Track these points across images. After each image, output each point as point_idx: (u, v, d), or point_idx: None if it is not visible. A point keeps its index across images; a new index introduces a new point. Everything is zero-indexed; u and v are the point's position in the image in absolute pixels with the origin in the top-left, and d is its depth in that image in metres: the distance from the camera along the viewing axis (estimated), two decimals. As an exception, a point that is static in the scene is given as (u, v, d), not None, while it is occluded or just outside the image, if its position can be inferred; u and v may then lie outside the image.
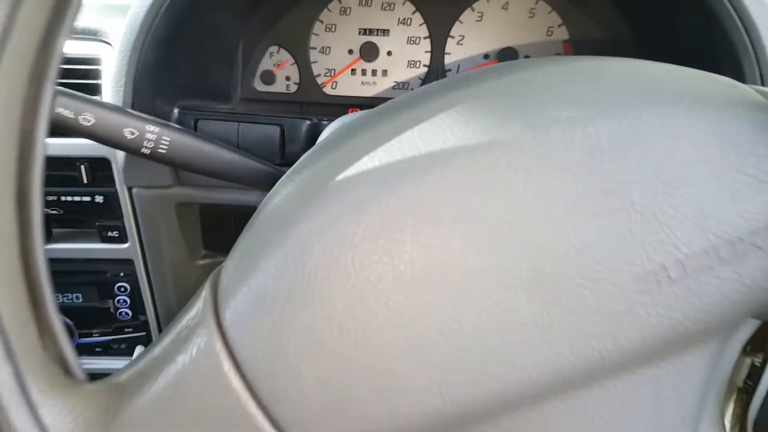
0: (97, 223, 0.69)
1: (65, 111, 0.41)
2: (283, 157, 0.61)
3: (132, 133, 0.44)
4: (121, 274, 0.74)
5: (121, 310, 0.77)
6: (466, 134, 0.28)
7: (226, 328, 0.29)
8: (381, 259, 0.27)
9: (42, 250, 0.27)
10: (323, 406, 0.28)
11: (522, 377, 0.28)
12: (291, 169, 0.34)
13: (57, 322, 0.29)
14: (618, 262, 0.26)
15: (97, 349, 0.80)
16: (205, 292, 0.31)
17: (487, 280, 0.27)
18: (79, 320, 0.78)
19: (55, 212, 0.68)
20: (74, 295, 0.76)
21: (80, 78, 0.63)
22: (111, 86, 0.54)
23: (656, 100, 0.28)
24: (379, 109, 0.34)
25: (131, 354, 0.79)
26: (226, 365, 0.28)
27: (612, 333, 0.27)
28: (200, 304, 0.30)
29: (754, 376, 0.40)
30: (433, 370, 0.28)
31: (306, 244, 0.28)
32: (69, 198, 0.68)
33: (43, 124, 0.26)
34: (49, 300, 0.28)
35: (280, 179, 0.33)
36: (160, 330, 0.78)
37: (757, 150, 0.26)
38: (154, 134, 0.45)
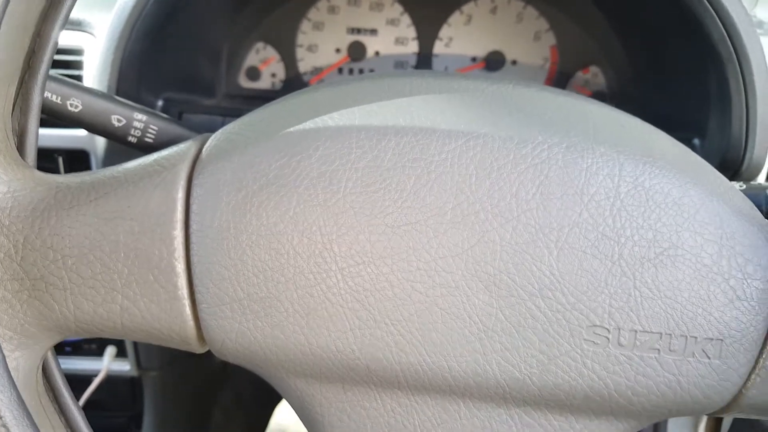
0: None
1: (53, 96, 0.39)
2: None
3: (119, 121, 0.43)
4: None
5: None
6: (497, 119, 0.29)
7: (195, 186, 0.29)
8: (379, 188, 0.28)
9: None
10: (247, 300, 0.29)
11: (441, 365, 0.28)
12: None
13: (37, 103, 0.30)
14: (582, 303, 0.27)
15: (67, 349, 0.77)
16: (186, 146, 0.31)
17: (459, 257, 0.27)
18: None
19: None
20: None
21: (61, 68, 0.61)
22: (96, 74, 0.53)
23: (693, 179, 0.28)
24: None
25: (101, 354, 0.77)
26: (178, 215, 0.28)
27: (544, 366, 0.28)
28: (180, 151, 0.30)
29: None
30: (366, 318, 0.28)
31: (311, 146, 0.28)
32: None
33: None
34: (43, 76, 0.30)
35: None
36: None
37: (746, 267, 0.27)
38: (141, 122, 0.43)
